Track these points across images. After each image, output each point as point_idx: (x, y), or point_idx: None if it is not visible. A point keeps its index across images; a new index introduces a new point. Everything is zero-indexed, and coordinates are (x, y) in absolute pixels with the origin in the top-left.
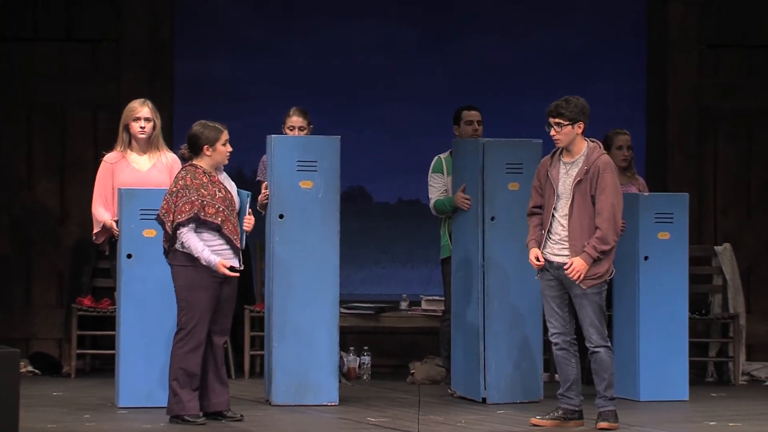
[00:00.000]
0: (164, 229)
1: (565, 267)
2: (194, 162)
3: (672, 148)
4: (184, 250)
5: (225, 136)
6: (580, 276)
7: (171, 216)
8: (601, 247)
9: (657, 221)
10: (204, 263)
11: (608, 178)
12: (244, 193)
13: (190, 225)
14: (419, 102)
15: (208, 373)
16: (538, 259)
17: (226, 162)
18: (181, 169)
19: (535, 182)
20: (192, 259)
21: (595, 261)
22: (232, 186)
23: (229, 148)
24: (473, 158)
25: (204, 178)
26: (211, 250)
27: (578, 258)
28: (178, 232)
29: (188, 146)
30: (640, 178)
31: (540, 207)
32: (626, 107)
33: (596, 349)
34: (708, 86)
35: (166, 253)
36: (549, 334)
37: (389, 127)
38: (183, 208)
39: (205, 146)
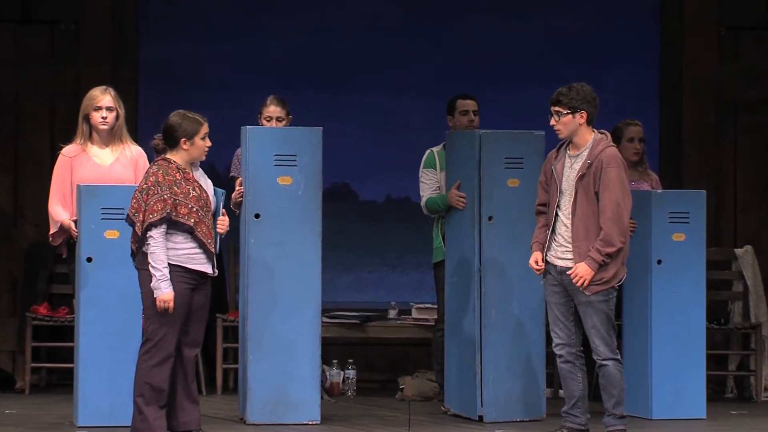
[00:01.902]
0: (134, 230)
1: (568, 272)
2: (167, 156)
3: (688, 141)
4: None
5: (205, 129)
6: (584, 283)
7: (142, 215)
8: (605, 249)
9: (671, 221)
10: (153, 281)
11: (612, 173)
12: (220, 191)
13: (162, 226)
14: (409, 90)
15: (177, 388)
16: (537, 264)
17: (203, 158)
18: (153, 163)
19: (541, 177)
20: None
21: (602, 265)
22: (208, 184)
23: (208, 143)
24: (469, 152)
25: (177, 175)
26: (183, 255)
27: (582, 263)
28: (148, 234)
29: (163, 138)
30: (653, 174)
31: (545, 205)
32: (638, 96)
33: (604, 362)
34: (727, 73)
35: (134, 255)
36: (553, 345)
37: (376, 118)
38: (155, 207)
39: (183, 139)
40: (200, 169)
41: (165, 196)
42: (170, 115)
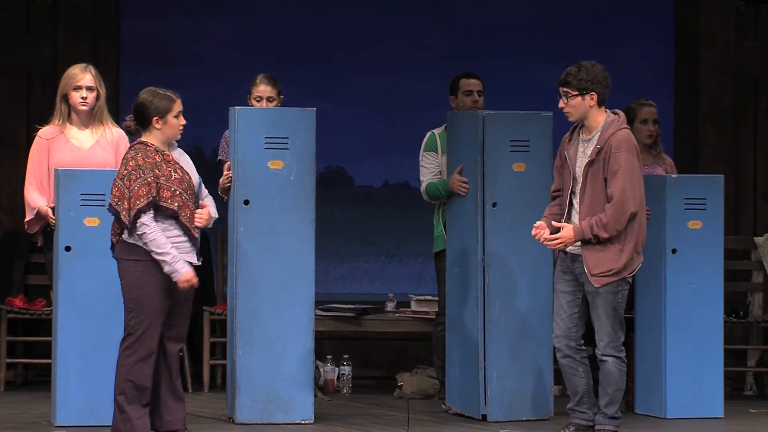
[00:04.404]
0: (119, 219)
1: (554, 224)
2: (143, 139)
3: (705, 123)
4: (136, 242)
5: (178, 106)
6: (562, 244)
7: (126, 203)
8: (597, 230)
9: (687, 208)
10: (166, 267)
11: (621, 158)
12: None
13: (151, 211)
14: (409, 68)
15: (161, 386)
16: (537, 228)
17: (178, 137)
18: (130, 148)
19: (557, 162)
20: (144, 253)
21: (603, 246)
22: (189, 165)
23: (182, 121)
24: (472, 134)
25: (157, 157)
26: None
27: (570, 228)
28: (138, 222)
29: (135, 117)
30: (668, 158)
31: (561, 191)
32: (652, 74)
33: (603, 358)
34: (747, 50)
35: (113, 246)
36: (553, 336)
37: (374, 98)
38: (140, 192)
39: (155, 118)
40: (178, 148)
41: (149, 179)
42: (140, 93)
